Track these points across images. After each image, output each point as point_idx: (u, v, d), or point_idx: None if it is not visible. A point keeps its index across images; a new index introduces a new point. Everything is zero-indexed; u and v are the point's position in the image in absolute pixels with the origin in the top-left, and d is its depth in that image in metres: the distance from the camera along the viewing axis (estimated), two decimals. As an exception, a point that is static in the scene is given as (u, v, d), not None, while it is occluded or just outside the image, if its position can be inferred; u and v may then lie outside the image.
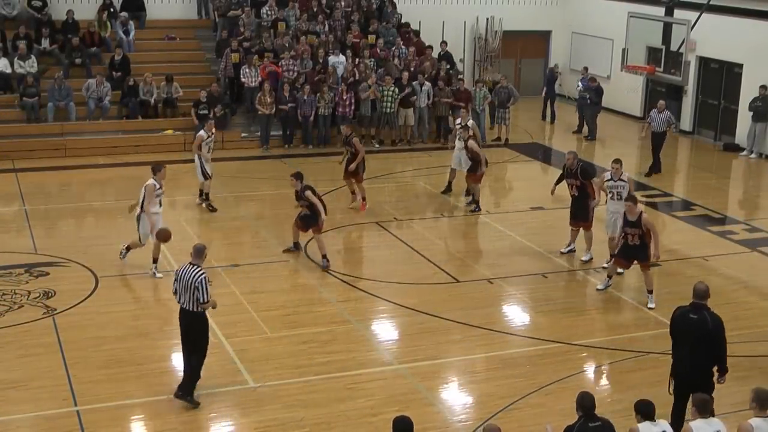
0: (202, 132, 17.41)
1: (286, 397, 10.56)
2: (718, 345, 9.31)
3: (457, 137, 18.85)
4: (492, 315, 13.19)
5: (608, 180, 14.61)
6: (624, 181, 14.51)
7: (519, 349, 12.08)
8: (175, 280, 10.33)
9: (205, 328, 10.36)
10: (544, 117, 27.20)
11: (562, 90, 30.36)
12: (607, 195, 14.71)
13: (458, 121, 19.42)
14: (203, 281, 10.01)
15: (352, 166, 17.43)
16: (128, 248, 14.56)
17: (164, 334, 12.28)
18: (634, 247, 13.32)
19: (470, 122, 19.08)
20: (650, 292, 13.57)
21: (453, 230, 17.32)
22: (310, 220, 14.73)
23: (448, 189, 19.16)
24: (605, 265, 14.55)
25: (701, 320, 9.27)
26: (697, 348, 9.26)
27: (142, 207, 14.12)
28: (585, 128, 25.20)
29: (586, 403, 7.91)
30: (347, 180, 17.75)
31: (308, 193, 14.54)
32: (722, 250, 15.96)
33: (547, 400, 10.65)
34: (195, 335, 10.29)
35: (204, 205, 17.66)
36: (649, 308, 13.44)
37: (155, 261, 14.17)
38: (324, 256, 14.72)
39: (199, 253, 10.29)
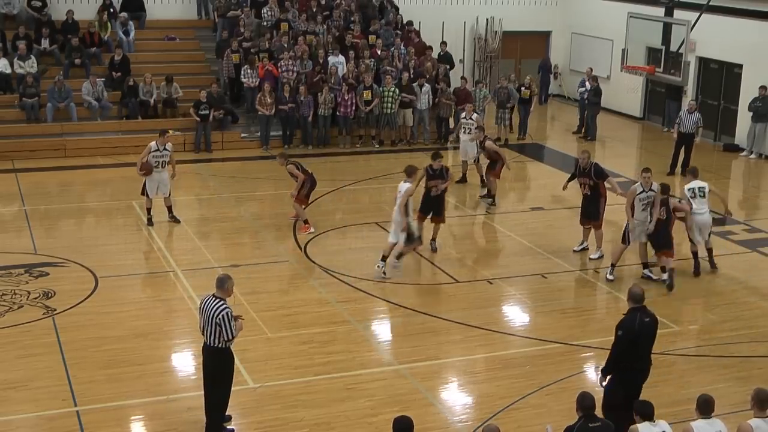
0: (152, 143, 16.17)
1: (286, 397, 10.54)
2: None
3: (463, 131, 19.42)
4: (492, 315, 13.18)
5: (640, 192, 14.03)
6: (654, 190, 14.05)
7: (519, 349, 12.08)
8: (200, 312, 9.51)
9: (229, 364, 9.54)
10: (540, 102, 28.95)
11: (561, 90, 30.44)
12: (633, 207, 14.17)
13: (463, 114, 19.93)
14: (224, 317, 9.17)
15: (302, 191, 16.34)
16: (400, 255, 14.46)
17: (164, 334, 12.29)
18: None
19: (475, 116, 19.43)
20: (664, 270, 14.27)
21: (453, 230, 17.30)
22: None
23: (463, 179, 19.70)
24: (609, 277, 14.33)
25: (653, 322, 9.35)
26: (650, 349, 9.40)
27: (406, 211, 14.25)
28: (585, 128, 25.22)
29: (586, 403, 7.91)
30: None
31: None
32: (722, 250, 15.91)
33: (547, 400, 10.64)
34: (216, 371, 9.47)
35: (168, 218, 16.64)
36: (664, 281, 14.09)
37: (385, 259, 14.28)
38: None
39: (221, 284, 9.39)
